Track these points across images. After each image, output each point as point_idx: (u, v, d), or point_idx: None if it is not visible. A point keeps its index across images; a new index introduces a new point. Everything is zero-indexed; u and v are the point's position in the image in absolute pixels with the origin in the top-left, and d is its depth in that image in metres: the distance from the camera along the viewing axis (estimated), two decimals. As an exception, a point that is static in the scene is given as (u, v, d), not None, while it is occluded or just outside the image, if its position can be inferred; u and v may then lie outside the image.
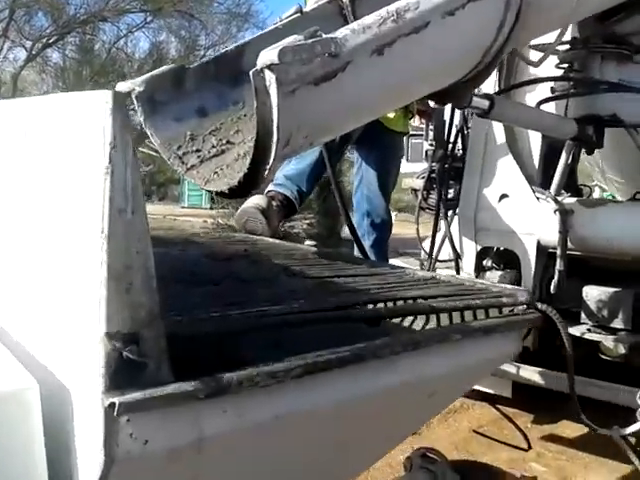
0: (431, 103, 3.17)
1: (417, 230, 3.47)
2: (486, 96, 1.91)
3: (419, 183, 3.56)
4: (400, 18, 1.22)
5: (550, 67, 2.38)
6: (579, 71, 2.37)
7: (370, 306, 1.02)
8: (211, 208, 13.60)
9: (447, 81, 1.54)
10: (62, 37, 8.29)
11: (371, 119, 1.44)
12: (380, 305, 1.04)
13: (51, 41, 8.33)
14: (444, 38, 1.37)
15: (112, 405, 0.65)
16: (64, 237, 0.72)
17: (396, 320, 1.03)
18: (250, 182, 1.21)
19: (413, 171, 3.75)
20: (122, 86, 1.40)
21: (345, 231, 11.79)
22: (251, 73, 1.06)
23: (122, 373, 0.68)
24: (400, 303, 1.06)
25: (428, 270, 3.18)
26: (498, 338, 1.09)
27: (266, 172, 1.18)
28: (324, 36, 1.11)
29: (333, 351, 0.82)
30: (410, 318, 1.08)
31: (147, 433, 0.69)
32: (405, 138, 3.53)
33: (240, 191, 1.23)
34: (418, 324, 1.09)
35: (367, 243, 2.75)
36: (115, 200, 0.66)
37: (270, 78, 1.06)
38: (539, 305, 1.16)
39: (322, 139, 1.33)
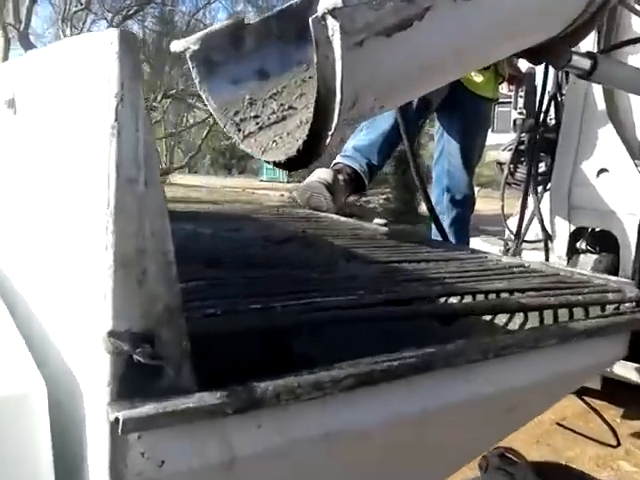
0: (523, 67, 2.88)
1: (502, 208, 3.22)
2: (588, 54, 1.65)
3: (506, 156, 3.29)
4: (492, -46, 1.02)
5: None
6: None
7: (443, 300, 0.86)
8: (288, 182, 13.61)
9: (544, 35, 1.32)
10: (142, 9, 8.40)
11: (453, 79, 1.25)
12: (455, 299, 0.87)
13: (131, 13, 8.45)
14: (544, -19, 1.15)
15: (117, 420, 0.53)
16: (66, 215, 0.60)
17: (474, 319, 0.86)
18: (310, 151, 1.06)
19: (499, 143, 3.48)
20: (176, 45, 1.29)
21: (423, 207, 11.47)
22: (310, 20, 0.91)
23: (132, 380, 0.56)
24: (480, 297, 0.89)
25: (514, 252, 2.95)
26: (601, 342, 0.89)
27: (328, 139, 1.03)
28: (398, -24, 0.93)
29: (393, 357, 0.67)
30: (491, 316, 0.90)
31: (163, 452, 0.57)
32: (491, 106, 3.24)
33: (299, 162, 1.09)
34: (501, 323, 0.92)
35: (446, 221, 2.53)
36: (123, 167, 0.53)
37: (333, 26, 0.90)
38: (653, 302, 0.95)
39: (395, 101, 1.16)
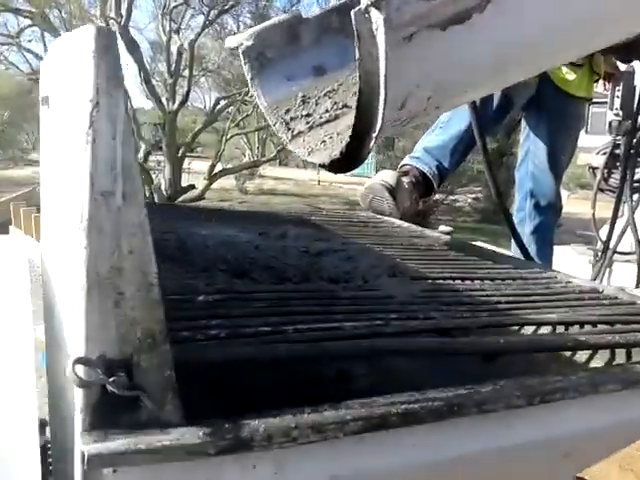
0: (621, 65, 2.63)
1: (593, 215, 2.99)
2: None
3: (599, 160, 3.05)
4: None
5: None
6: None
7: (490, 329, 0.75)
8: (375, 176, 13.45)
9: (635, 28, 1.16)
10: (237, 3, 8.52)
11: (522, 78, 1.13)
12: (505, 330, 0.76)
13: (226, 7, 8.60)
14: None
15: (83, 455, 0.49)
16: (47, 227, 0.56)
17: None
18: (353, 154, 0.99)
19: (593, 145, 3.22)
20: (230, 41, 1.24)
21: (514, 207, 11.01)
22: (353, 13, 0.83)
23: (107, 411, 0.51)
24: (540, 329, 0.77)
25: (603, 264, 2.71)
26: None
27: (372, 142, 0.95)
28: (456, -39, 0.84)
29: (415, 399, 0.58)
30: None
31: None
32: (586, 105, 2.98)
33: (343, 165, 1.01)
34: (556, 361, 0.80)
35: (527, 229, 2.35)
36: (98, 178, 0.48)
37: (377, 19, 0.82)
38: None
39: (453, 102, 1.06)
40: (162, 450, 0.51)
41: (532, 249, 2.21)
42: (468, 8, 0.88)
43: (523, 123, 2.54)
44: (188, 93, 9.02)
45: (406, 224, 1.57)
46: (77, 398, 0.52)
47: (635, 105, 2.49)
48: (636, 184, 2.67)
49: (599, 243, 3.04)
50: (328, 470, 0.60)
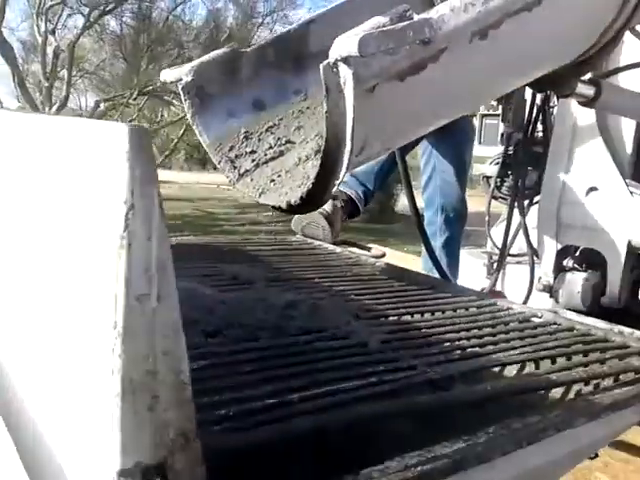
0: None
1: (488, 222, 3.18)
2: (591, 81, 1.61)
3: (492, 169, 3.25)
4: (510, -8, 0.96)
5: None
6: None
7: (472, 374, 0.79)
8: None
9: (555, 65, 1.27)
10: (120, 4, 8.16)
11: (462, 114, 1.19)
12: (481, 373, 0.81)
13: (109, 8, 8.21)
14: (559, 15, 1.10)
15: None
16: (71, 330, 0.52)
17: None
18: (315, 198, 0.99)
19: (486, 155, 3.43)
20: (167, 74, 1.20)
21: (398, 205, 11.49)
22: (322, 67, 0.83)
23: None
24: (508, 369, 0.83)
25: (498, 267, 2.91)
26: (625, 412, 0.84)
27: (335, 187, 0.96)
28: (416, 17, 0.87)
29: (416, 461, 0.60)
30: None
31: None
32: (478, 118, 3.20)
33: (302, 208, 1.02)
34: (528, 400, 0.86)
35: (439, 242, 2.48)
36: (133, 284, 0.45)
37: (346, 74, 0.83)
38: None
39: (402, 142, 1.10)
40: None
41: (443, 261, 2.33)
42: (425, 59, 0.92)
43: (423, 144, 2.67)
44: (67, 97, 8.52)
45: (339, 249, 1.60)
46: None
47: (525, 118, 2.71)
48: (526, 191, 2.89)
49: (489, 244, 3.26)
50: None
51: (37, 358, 0.58)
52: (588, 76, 1.70)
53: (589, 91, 1.56)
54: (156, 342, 0.47)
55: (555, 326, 1.07)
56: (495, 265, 2.99)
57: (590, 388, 0.85)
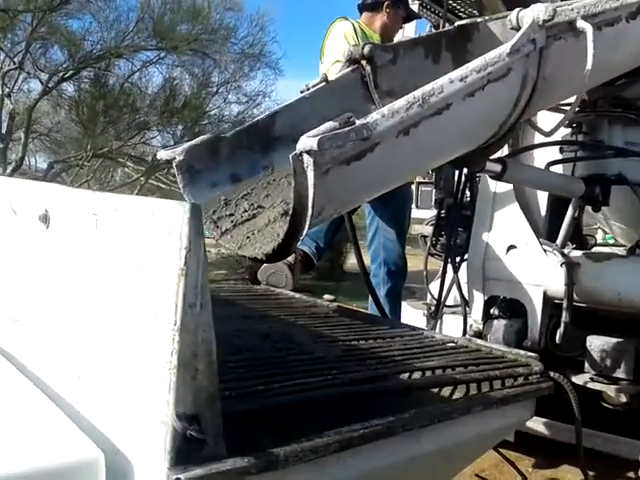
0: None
1: (426, 276, 3.54)
2: (499, 160, 2.01)
3: (428, 229, 3.65)
4: (425, 102, 1.32)
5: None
6: (587, 133, 2.47)
7: (399, 375, 1.10)
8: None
9: (464, 150, 1.64)
10: (78, 72, 8.49)
11: (397, 185, 1.53)
12: (407, 375, 1.11)
13: (67, 75, 8.52)
14: (464, 117, 1.47)
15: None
16: (136, 326, 0.80)
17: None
18: (284, 250, 1.30)
19: (423, 217, 3.85)
20: (163, 154, 1.51)
21: (347, 264, 11.89)
22: (290, 157, 1.16)
23: (185, 450, 0.76)
24: (426, 373, 1.14)
25: (436, 315, 3.26)
26: (515, 407, 1.16)
27: (299, 242, 1.27)
28: (357, 123, 1.21)
29: (367, 425, 0.90)
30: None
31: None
32: (415, 185, 3.64)
33: (274, 258, 1.32)
34: (441, 394, 1.16)
35: (382, 292, 2.82)
36: (188, 297, 0.74)
37: (308, 161, 1.16)
38: (552, 374, 1.24)
39: (350, 208, 1.43)
40: (226, 472, 0.77)
41: (386, 309, 2.66)
42: (364, 149, 1.26)
43: (369, 205, 3.05)
44: (22, 158, 8.67)
45: (298, 295, 1.90)
46: (161, 444, 0.76)
47: (454, 186, 3.12)
48: (458, 249, 3.28)
49: (428, 297, 3.62)
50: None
51: (119, 345, 0.85)
52: (497, 155, 2.11)
53: (497, 168, 1.96)
54: (198, 334, 0.76)
55: (466, 348, 1.39)
56: (434, 315, 3.35)
57: (486, 387, 1.16)
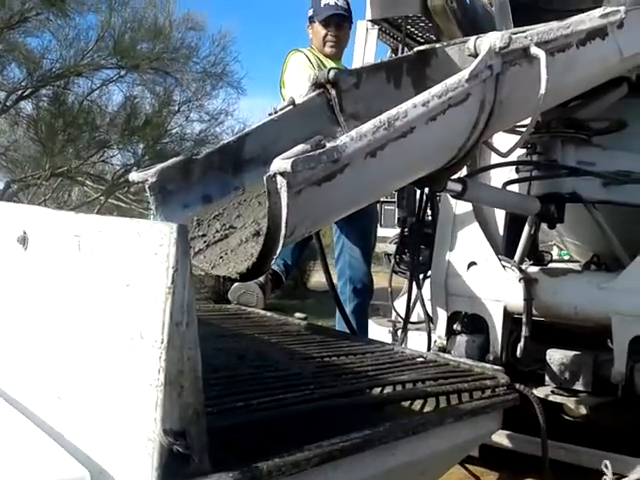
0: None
1: (390, 293, 3.60)
2: (459, 180, 2.08)
3: (392, 248, 3.72)
4: (391, 126, 1.39)
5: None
6: (541, 153, 2.59)
7: (373, 389, 1.13)
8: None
9: (427, 171, 1.71)
10: (36, 90, 8.36)
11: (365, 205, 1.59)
12: (380, 389, 1.15)
13: (25, 94, 8.38)
14: (427, 140, 1.54)
15: (164, 495, 0.75)
16: (121, 345, 0.82)
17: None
18: (257, 269, 1.33)
19: (386, 236, 3.92)
20: (136, 176, 1.53)
21: (311, 282, 11.94)
22: (265, 178, 1.20)
23: (172, 467, 0.78)
24: (398, 387, 1.18)
25: (402, 332, 3.32)
26: (484, 418, 1.21)
27: (273, 260, 1.31)
28: (328, 145, 1.26)
29: (345, 439, 0.93)
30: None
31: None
32: (379, 204, 3.71)
33: (248, 277, 1.35)
34: (414, 406, 1.21)
35: (348, 309, 2.87)
36: (174, 315, 0.77)
37: (281, 183, 1.20)
38: (517, 386, 1.29)
39: (321, 227, 1.47)
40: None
41: (353, 325, 2.70)
42: (334, 171, 1.30)
43: (335, 225, 3.10)
44: (-22, 178, 8.45)
45: (269, 313, 1.93)
46: (150, 460, 0.78)
47: (417, 204, 3.21)
48: (421, 266, 3.35)
49: (393, 314, 3.68)
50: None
51: (104, 365, 0.86)
52: (458, 174, 2.19)
53: (457, 187, 2.03)
54: (184, 352, 0.79)
55: (435, 362, 1.44)
56: (399, 332, 3.40)
57: (456, 400, 1.21)
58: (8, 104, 8.25)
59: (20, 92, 8.35)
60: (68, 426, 0.90)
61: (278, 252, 1.27)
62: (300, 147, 1.23)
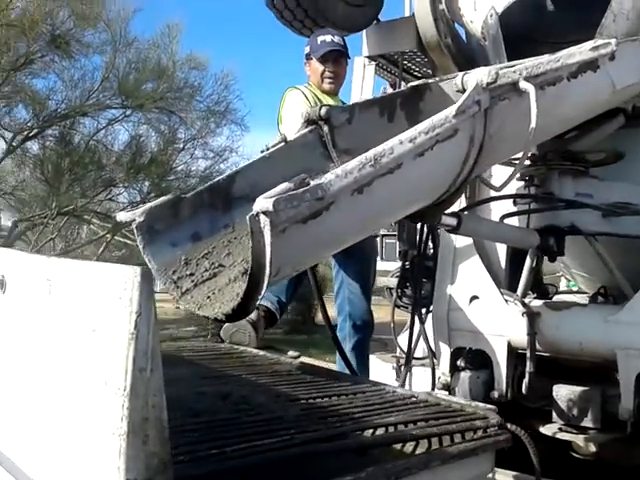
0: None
1: (393, 328, 3.55)
2: (454, 214, 2.07)
3: (393, 281, 3.69)
4: (377, 163, 1.38)
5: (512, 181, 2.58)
6: (538, 186, 2.57)
7: (357, 432, 1.10)
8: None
9: (418, 207, 1.69)
10: (42, 130, 8.51)
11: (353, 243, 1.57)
12: (365, 432, 1.11)
13: (32, 134, 8.54)
14: (415, 176, 1.52)
15: None
16: (86, 392, 0.80)
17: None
18: (243, 309, 1.31)
19: (388, 269, 3.90)
20: (123, 216, 1.52)
21: (319, 317, 11.86)
22: (248, 218, 1.19)
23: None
24: (384, 430, 1.14)
25: (405, 369, 3.26)
26: (473, 460, 1.16)
27: (258, 300, 1.29)
28: (312, 183, 1.25)
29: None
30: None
31: None
32: (380, 238, 3.70)
33: (234, 318, 1.33)
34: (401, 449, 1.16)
35: (348, 346, 2.83)
36: (137, 361, 0.75)
37: (265, 222, 1.19)
38: (509, 426, 1.25)
39: (308, 266, 1.45)
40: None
41: (353, 362, 2.66)
42: (320, 209, 1.29)
43: (333, 261, 3.09)
44: (-14, 218, 8.56)
45: (262, 352, 1.89)
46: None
47: (418, 237, 3.19)
48: (424, 300, 3.31)
49: (397, 349, 3.62)
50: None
51: (69, 412, 0.84)
52: (452, 209, 2.18)
53: (452, 221, 2.02)
54: (149, 399, 0.77)
55: (426, 402, 1.40)
56: (403, 368, 3.34)
57: (445, 442, 1.17)
58: (15, 144, 8.38)
59: (26, 132, 8.50)
60: (35, 472, 0.87)
61: (263, 292, 1.25)
62: (284, 186, 1.22)
